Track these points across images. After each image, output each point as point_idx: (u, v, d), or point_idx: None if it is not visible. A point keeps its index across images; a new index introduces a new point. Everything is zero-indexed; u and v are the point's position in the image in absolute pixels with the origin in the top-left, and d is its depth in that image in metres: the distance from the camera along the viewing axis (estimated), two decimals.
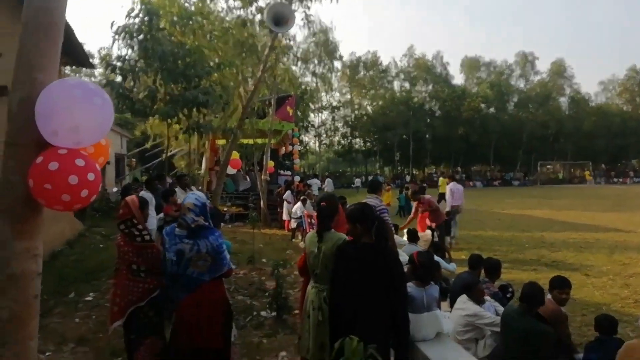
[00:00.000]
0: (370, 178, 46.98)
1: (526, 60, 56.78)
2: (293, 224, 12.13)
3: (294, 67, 16.25)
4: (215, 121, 9.05)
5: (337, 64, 50.41)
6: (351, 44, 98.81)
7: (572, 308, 6.14)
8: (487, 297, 4.82)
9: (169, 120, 7.07)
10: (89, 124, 2.20)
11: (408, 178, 47.85)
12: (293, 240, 11.77)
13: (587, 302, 6.57)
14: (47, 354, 4.37)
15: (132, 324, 3.36)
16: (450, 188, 11.61)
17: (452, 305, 5.00)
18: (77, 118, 2.14)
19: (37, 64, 2.15)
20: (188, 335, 3.23)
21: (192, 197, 3.41)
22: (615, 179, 51.96)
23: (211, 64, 7.39)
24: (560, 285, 4.34)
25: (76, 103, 2.15)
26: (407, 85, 54.92)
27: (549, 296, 4.32)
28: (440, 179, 21.56)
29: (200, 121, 7.05)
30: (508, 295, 5.35)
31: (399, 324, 2.93)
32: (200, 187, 11.31)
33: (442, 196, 19.10)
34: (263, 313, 5.78)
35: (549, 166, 56.40)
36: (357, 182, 44.15)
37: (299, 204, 11.91)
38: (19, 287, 2.08)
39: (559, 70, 56.81)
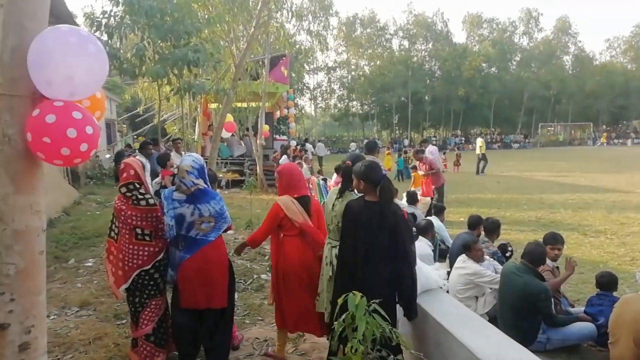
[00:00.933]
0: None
1: (530, 17, 55.39)
2: None
3: (287, 25, 15.78)
4: (207, 83, 8.79)
5: (333, 21, 49.32)
6: (347, 0, 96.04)
7: None
8: (486, 256, 4.83)
9: (160, 81, 6.83)
10: (84, 74, 2.12)
11: (406, 142, 47.64)
12: None
13: (585, 260, 6.57)
14: (51, 317, 4.38)
15: (136, 286, 3.33)
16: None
17: (451, 265, 5.04)
18: (72, 67, 2.05)
19: (26, 11, 2.04)
20: (192, 296, 3.23)
21: (189, 159, 3.31)
22: (615, 140, 51.68)
23: (200, 20, 7.08)
24: (553, 241, 4.36)
25: (71, 51, 2.05)
26: (406, 43, 53.66)
27: None
28: (479, 139, 21.76)
29: (192, 81, 6.81)
30: (507, 255, 5.36)
31: (403, 284, 2.94)
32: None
33: (484, 157, 19.70)
34: (263, 276, 5.80)
35: (549, 128, 55.97)
36: (353, 146, 44.08)
37: None
38: (24, 243, 2.07)
39: (563, 27, 55.54)
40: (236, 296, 4.03)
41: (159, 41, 6.39)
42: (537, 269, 3.96)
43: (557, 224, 9.07)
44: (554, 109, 54.76)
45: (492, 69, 53.25)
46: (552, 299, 4.00)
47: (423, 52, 54.01)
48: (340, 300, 2.42)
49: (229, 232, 3.58)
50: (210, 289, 3.24)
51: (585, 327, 3.90)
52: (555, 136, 55.41)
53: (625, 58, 59.87)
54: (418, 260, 3.43)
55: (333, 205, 3.32)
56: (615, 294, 4.20)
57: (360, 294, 2.32)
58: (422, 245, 5.13)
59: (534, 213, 10.24)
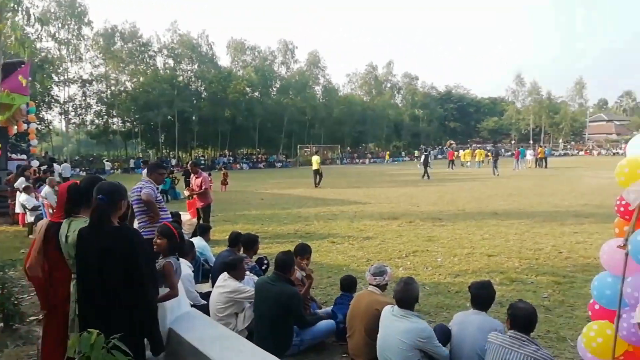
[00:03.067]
0: (132, 161, 44.08)
1: (287, 48, 61.09)
2: (30, 218, 10.22)
3: (29, 28, 13.61)
4: None
5: (87, 31, 44.91)
6: (105, 11, 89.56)
7: (320, 272, 6.86)
8: (246, 272, 4.95)
9: None
10: None
11: (173, 161, 46.46)
12: (30, 236, 9.89)
13: (332, 265, 7.43)
14: None
15: None
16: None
17: (214, 284, 5.00)
18: None
19: None
20: None
21: None
22: (357, 160, 61.27)
23: None
24: (302, 252, 4.81)
25: None
26: (171, 62, 52.65)
27: None
28: (315, 157, 23.31)
29: None
30: (263, 267, 5.62)
31: (140, 315, 2.74)
32: None
33: (319, 171, 21.68)
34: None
35: (306, 149, 62.53)
36: (108, 165, 41.06)
37: (23, 194, 10.16)
38: None
39: (314, 60, 63.09)
40: None
41: None
42: (287, 275, 4.27)
43: (311, 234, 10.08)
44: (309, 132, 61.56)
45: (256, 94, 56.80)
46: (303, 304, 4.37)
47: (189, 72, 53.86)
48: (72, 343, 2.17)
49: None
50: None
51: (327, 324, 4.38)
52: (311, 156, 62.25)
53: (361, 91, 72.17)
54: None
55: (66, 236, 2.92)
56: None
57: (98, 331, 2.13)
58: (183, 267, 4.97)
59: (293, 226, 11.16)
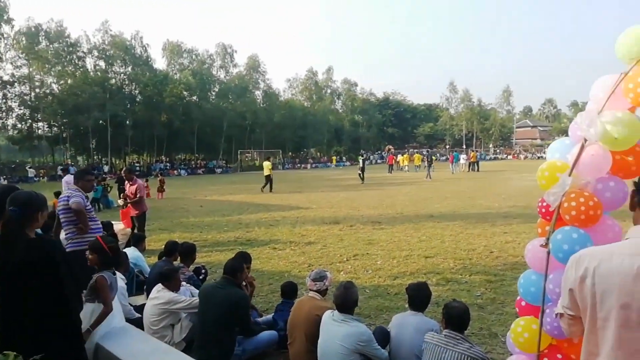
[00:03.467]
0: (60, 168, 41.53)
1: (226, 52, 60.26)
2: None
3: None
4: None
5: (7, 29, 41.97)
6: (28, 9, 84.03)
7: (261, 279, 6.78)
8: (182, 282, 4.80)
9: None
10: None
11: (106, 168, 44.34)
12: None
13: (274, 271, 7.36)
14: None
15: None
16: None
17: (148, 296, 4.80)
18: None
19: None
20: None
21: None
22: (299, 165, 61.38)
23: None
24: (242, 260, 4.74)
25: None
26: (102, 64, 50.20)
27: None
28: (266, 162, 23.32)
29: None
30: (201, 277, 5.48)
31: (62, 330, 2.57)
32: None
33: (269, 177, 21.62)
34: None
35: (247, 154, 61.85)
36: (31, 172, 38.80)
37: None
38: None
39: (254, 64, 62.71)
40: None
41: None
42: (236, 280, 4.19)
43: (252, 241, 9.93)
44: (249, 137, 60.97)
45: (194, 98, 55.48)
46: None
47: (122, 74, 51.63)
48: None
49: None
50: None
51: (270, 334, 4.33)
52: (252, 161, 61.77)
53: (302, 96, 72.54)
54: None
55: None
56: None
57: (15, 353, 1.97)
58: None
59: (233, 233, 10.95)
